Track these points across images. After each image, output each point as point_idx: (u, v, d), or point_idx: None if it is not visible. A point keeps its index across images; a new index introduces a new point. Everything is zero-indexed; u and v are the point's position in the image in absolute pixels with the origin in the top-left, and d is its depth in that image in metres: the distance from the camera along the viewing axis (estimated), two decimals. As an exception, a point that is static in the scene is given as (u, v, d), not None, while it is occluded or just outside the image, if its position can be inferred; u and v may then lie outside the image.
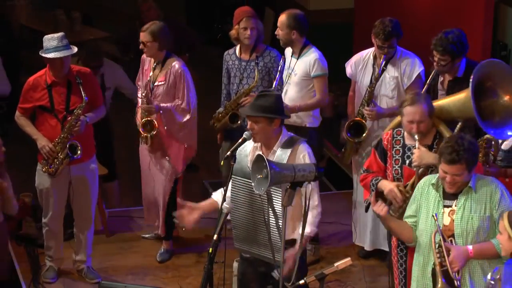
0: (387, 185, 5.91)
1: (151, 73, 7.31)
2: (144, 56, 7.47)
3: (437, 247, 5.22)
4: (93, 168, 7.14)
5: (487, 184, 5.26)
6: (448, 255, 5.17)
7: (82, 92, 6.82)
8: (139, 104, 7.44)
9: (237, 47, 7.56)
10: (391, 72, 7.12)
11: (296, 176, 5.29)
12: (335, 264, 5.26)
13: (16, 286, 7.31)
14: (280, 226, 5.49)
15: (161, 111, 7.28)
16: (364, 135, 7.18)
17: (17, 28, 11.77)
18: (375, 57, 7.18)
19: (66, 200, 7.18)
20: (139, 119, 7.39)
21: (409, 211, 5.51)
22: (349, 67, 7.33)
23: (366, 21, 10.42)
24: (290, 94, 7.30)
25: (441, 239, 5.20)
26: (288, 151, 5.60)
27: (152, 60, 7.37)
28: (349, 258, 5.32)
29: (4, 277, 7.34)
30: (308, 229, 5.58)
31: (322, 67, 7.26)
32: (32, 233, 7.85)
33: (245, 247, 5.78)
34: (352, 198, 7.66)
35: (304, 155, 5.61)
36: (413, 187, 5.77)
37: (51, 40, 6.76)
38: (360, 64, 7.25)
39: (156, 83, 7.29)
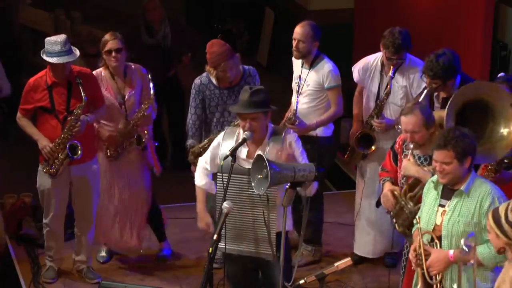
0: (385, 188, 6.04)
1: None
2: (97, 73, 7.18)
3: (418, 248, 5.17)
4: (94, 169, 7.12)
5: (481, 188, 5.15)
6: (427, 258, 5.12)
7: (82, 92, 6.81)
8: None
9: (211, 76, 7.14)
10: (399, 82, 7.07)
11: (296, 176, 5.30)
12: (335, 264, 5.27)
13: (16, 286, 7.31)
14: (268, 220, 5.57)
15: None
16: (373, 147, 7.17)
17: (17, 28, 11.76)
18: (382, 64, 7.12)
19: (67, 201, 7.18)
20: (112, 135, 7.18)
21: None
22: (357, 72, 7.28)
23: (366, 21, 10.43)
24: (302, 105, 7.23)
25: (421, 242, 5.14)
26: (279, 140, 5.67)
27: (107, 76, 7.16)
28: (349, 258, 5.32)
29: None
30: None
31: (336, 78, 7.19)
32: (32, 233, 7.85)
33: (232, 246, 5.79)
34: (355, 200, 7.60)
35: (293, 140, 5.72)
36: (405, 194, 5.82)
37: (54, 44, 6.73)
38: (368, 70, 7.19)
39: (126, 97, 7.17)
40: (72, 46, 6.85)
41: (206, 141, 7.18)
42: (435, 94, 6.73)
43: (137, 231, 7.46)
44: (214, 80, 7.13)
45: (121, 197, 7.36)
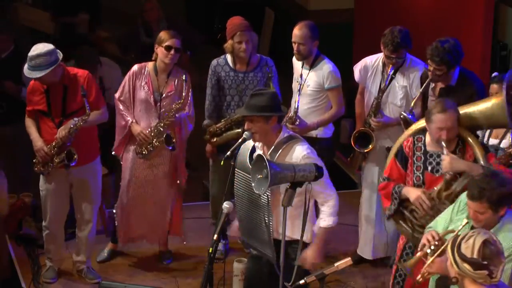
0: (413, 192, 5.81)
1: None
2: (138, 68, 7.14)
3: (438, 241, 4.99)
4: (95, 171, 7.12)
5: (507, 236, 4.90)
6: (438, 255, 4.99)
7: (87, 105, 6.76)
8: (131, 121, 7.15)
9: (228, 58, 7.34)
10: (400, 81, 7.07)
11: (296, 176, 5.29)
12: (335, 264, 5.26)
13: (16, 286, 7.31)
14: (271, 224, 5.52)
15: (181, 122, 7.16)
16: (370, 146, 7.16)
17: (18, 29, 11.76)
18: (384, 64, 7.12)
19: (68, 203, 7.17)
20: (144, 135, 7.11)
21: (442, 222, 5.24)
22: (358, 72, 7.28)
23: (366, 21, 10.45)
24: (302, 105, 7.23)
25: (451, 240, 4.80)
26: (281, 147, 5.58)
27: (150, 70, 7.12)
28: (349, 258, 5.31)
29: (7, 274, 7.36)
30: (326, 222, 5.64)
31: (336, 78, 7.21)
32: (32, 233, 7.84)
33: (247, 241, 5.81)
34: (360, 202, 7.59)
35: (304, 155, 5.54)
36: (439, 193, 5.71)
37: (30, 56, 6.65)
38: (369, 70, 7.19)
39: (163, 95, 7.13)
40: (57, 56, 6.69)
41: (223, 121, 7.32)
42: (431, 86, 6.73)
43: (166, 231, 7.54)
44: (230, 62, 7.29)
45: (150, 196, 7.36)
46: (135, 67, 7.19)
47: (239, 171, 5.70)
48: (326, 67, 7.20)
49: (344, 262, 5.25)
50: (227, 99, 7.33)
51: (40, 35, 10.60)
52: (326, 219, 5.66)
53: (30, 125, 7.01)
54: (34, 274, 7.36)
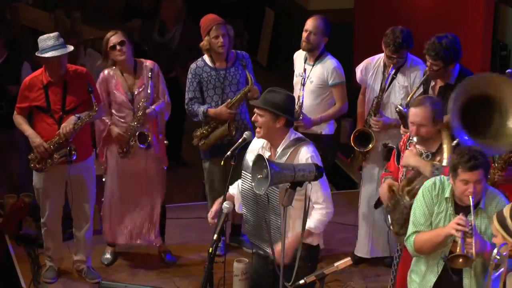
0: (383, 184, 6.00)
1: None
2: (107, 73, 7.12)
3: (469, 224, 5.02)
4: (90, 168, 7.12)
5: (495, 202, 5.13)
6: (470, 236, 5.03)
7: (94, 101, 6.79)
8: (110, 123, 7.17)
9: (206, 58, 7.32)
10: (401, 81, 7.07)
11: (296, 176, 5.28)
12: (335, 264, 5.26)
13: (16, 286, 7.31)
14: (279, 226, 5.51)
15: (157, 116, 7.18)
16: (370, 145, 7.16)
17: (18, 29, 11.77)
18: (385, 64, 7.12)
19: (63, 200, 7.17)
20: (122, 135, 7.15)
21: (421, 218, 5.29)
22: (359, 72, 7.28)
23: (366, 21, 10.44)
24: (306, 102, 7.24)
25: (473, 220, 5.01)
26: (289, 151, 5.57)
27: (116, 73, 7.12)
28: (349, 258, 5.31)
29: None
30: (311, 225, 5.60)
31: (340, 75, 7.23)
32: (32, 233, 7.85)
33: (254, 241, 5.80)
34: (358, 202, 7.59)
35: (307, 158, 5.54)
36: (402, 188, 5.81)
37: (47, 39, 6.74)
38: (370, 70, 7.20)
39: (135, 92, 7.12)
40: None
41: (207, 126, 7.29)
42: (432, 84, 6.72)
43: (155, 225, 7.51)
44: (209, 62, 7.27)
45: (138, 193, 7.37)
46: (105, 72, 7.17)
47: (247, 173, 5.67)
48: (329, 62, 7.21)
49: (344, 262, 5.25)
50: (213, 99, 7.29)
51: (40, 35, 10.60)
52: (312, 223, 5.61)
53: (22, 122, 6.99)
54: (34, 274, 7.37)
